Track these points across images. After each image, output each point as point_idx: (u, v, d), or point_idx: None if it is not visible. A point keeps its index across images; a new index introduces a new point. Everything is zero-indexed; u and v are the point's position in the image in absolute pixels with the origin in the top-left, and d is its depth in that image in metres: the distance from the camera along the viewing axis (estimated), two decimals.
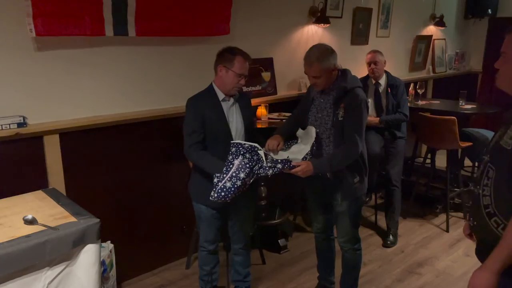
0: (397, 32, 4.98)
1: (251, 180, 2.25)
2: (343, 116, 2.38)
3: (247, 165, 2.19)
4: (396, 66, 4.95)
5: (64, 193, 2.62)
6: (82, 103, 2.68)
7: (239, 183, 2.16)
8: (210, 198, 2.19)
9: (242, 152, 2.22)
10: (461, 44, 6.18)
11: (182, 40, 3.04)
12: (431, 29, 5.51)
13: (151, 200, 3.10)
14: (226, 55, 2.36)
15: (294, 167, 2.28)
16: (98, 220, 1.80)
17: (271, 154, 2.36)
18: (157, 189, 3.11)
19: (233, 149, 2.24)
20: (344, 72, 2.48)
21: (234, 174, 2.17)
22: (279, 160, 2.30)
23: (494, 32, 6.04)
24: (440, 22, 5.41)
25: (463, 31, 6.16)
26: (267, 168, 2.25)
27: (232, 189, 2.17)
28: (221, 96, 2.41)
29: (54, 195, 2.08)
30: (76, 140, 2.66)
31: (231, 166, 2.20)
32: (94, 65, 2.69)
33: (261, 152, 2.26)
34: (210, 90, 2.43)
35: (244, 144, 2.24)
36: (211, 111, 2.38)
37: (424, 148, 5.74)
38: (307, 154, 2.35)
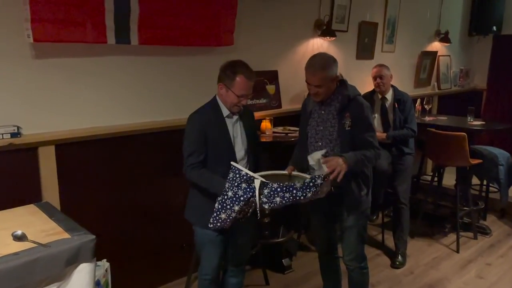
0: (402, 47, 4.92)
1: (251, 210, 2.09)
2: (351, 125, 2.30)
3: (241, 198, 2.00)
4: (401, 82, 4.86)
5: (59, 207, 2.48)
6: (80, 114, 2.56)
7: (233, 214, 2.03)
8: (209, 225, 2.08)
9: (237, 183, 2.01)
10: (466, 61, 6.13)
11: (185, 50, 2.94)
12: (436, 45, 5.45)
13: (150, 216, 2.95)
14: (228, 73, 2.19)
15: (323, 176, 2.04)
16: (93, 237, 1.66)
17: (275, 184, 2.03)
18: (156, 205, 2.97)
19: (231, 175, 2.04)
20: (343, 81, 2.41)
21: (228, 207, 2.02)
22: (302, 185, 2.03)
23: (499, 49, 5.99)
24: (445, 38, 5.36)
25: (467, 48, 6.11)
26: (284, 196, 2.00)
27: (228, 220, 2.04)
28: (225, 112, 2.27)
29: (47, 209, 1.94)
30: (72, 152, 2.54)
31: (225, 197, 2.03)
32: (94, 74, 2.58)
33: (257, 182, 2.00)
34: (214, 105, 2.28)
35: (241, 171, 2.02)
36: (215, 129, 2.23)
37: (429, 165, 5.67)
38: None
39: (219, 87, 2.24)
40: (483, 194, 4.50)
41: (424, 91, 5.38)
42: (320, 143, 2.39)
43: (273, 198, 2.00)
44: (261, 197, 2.01)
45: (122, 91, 2.71)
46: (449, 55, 5.74)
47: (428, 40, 5.35)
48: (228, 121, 2.27)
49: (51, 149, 2.45)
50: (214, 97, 2.30)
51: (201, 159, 2.20)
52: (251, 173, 2.01)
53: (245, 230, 2.41)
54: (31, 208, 1.98)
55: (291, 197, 2.00)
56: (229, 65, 2.21)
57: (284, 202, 2.01)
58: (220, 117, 2.25)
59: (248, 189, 2.00)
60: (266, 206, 2.03)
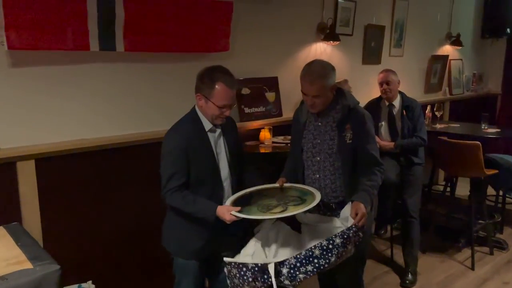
0: (411, 51, 4.69)
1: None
2: (352, 138, 2.12)
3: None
4: (410, 88, 4.63)
5: (39, 227, 2.32)
6: (62, 125, 2.39)
7: None
8: None
9: (251, 278, 1.76)
10: (478, 65, 5.87)
11: (176, 57, 2.76)
12: (447, 49, 5.22)
13: (138, 233, 2.76)
14: (206, 81, 1.96)
15: (341, 234, 1.84)
16: (58, 267, 1.48)
17: (292, 260, 1.79)
18: (145, 221, 2.78)
19: (234, 272, 1.81)
20: (340, 90, 2.21)
21: None
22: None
23: None
24: (456, 41, 5.13)
25: (480, 52, 5.86)
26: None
27: None
28: (207, 125, 2.04)
29: (15, 232, 1.77)
30: (54, 167, 2.36)
31: None
32: (77, 84, 2.41)
33: (271, 268, 1.74)
34: (194, 118, 2.05)
35: (247, 265, 1.77)
36: (197, 146, 1.99)
37: (441, 174, 5.41)
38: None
39: (197, 98, 2.02)
40: (499, 205, 4.24)
41: (435, 97, 5.15)
42: (318, 158, 2.20)
43: (296, 276, 1.76)
44: (282, 279, 1.77)
45: (107, 101, 2.54)
46: (461, 59, 5.49)
47: (438, 43, 5.11)
48: (210, 135, 2.05)
49: (31, 164, 2.28)
50: (193, 109, 2.09)
51: (182, 181, 1.97)
52: (258, 264, 1.76)
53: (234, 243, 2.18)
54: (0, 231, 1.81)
55: (314, 269, 1.76)
56: (206, 72, 1.98)
57: (309, 276, 1.77)
58: (201, 132, 2.04)
59: (265, 278, 1.76)
60: (291, 286, 1.81)
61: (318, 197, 1.98)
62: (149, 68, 2.67)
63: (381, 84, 3.46)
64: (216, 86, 1.94)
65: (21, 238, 1.71)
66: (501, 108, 5.94)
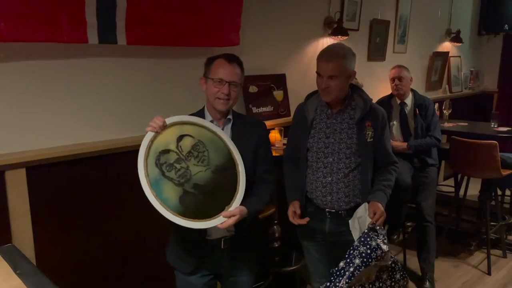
0: (414, 47, 4.54)
1: None
2: (373, 136, 2.00)
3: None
4: (413, 85, 4.48)
5: (32, 245, 2.04)
6: (57, 129, 2.11)
7: None
8: None
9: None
10: (475, 62, 5.78)
11: (183, 52, 2.50)
12: (446, 46, 5.10)
13: (141, 247, 2.50)
14: (208, 61, 1.85)
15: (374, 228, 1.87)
16: None
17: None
18: (148, 233, 2.51)
19: None
20: (356, 86, 2.08)
21: None
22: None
23: (510, 49, 5.66)
24: (456, 38, 5.01)
25: (477, 48, 5.78)
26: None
27: None
28: (208, 118, 1.85)
29: (11, 257, 1.49)
30: (48, 175, 2.08)
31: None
32: (73, 80, 2.13)
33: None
34: (198, 111, 1.91)
35: None
36: None
37: (442, 172, 5.29)
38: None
39: (201, 84, 1.86)
40: (508, 206, 4.13)
41: (435, 95, 5.01)
42: (330, 159, 2.01)
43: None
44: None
45: (108, 101, 2.26)
46: (459, 56, 5.39)
47: (439, 40, 4.99)
48: None
49: (22, 172, 1.99)
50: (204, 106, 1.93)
51: None
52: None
53: (243, 266, 1.94)
54: None
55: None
56: (211, 56, 1.86)
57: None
58: None
59: None
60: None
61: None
62: (153, 64, 2.41)
63: (392, 79, 3.30)
64: (215, 62, 1.81)
65: (18, 264, 1.43)
66: (497, 106, 5.86)
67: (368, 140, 2.00)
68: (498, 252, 3.69)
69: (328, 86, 1.92)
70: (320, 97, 2.03)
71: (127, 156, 2.31)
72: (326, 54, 1.94)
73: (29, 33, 1.89)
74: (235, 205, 1.69)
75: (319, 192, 2.04)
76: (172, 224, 1.62)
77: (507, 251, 3.69)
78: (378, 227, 1.87)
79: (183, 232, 1.71)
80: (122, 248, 2.41)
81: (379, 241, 1.81)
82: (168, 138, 1.69)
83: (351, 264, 1.80)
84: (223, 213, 1.66)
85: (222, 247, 1.83)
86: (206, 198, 1.67)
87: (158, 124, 1.69)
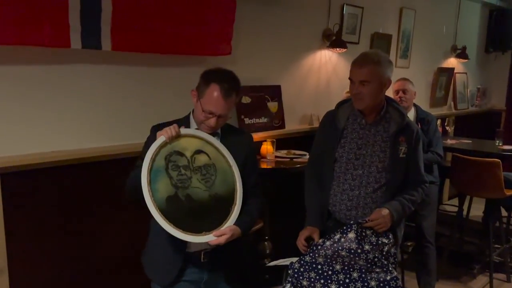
0: (417, 63, 4.46)
1: None
2: (406, 152, 1.93)
3: None
4: (416, 101, 4.38)
5: (5, 262, 1.95)
6: (35, 135, 2.04)
7: None
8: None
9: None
10: (482, 79, 5.67)
11: (171, 60, 2.44)
12: (452, 62, 5.00)
13: (124, 260, 2.40)
14: (204, 77, 1.75)
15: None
16: None
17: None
18: (132, 245, 2.41)
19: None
20: (391, 99, 2.00)
21: None
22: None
23: None
24: (462, 54, 4.91)
25: (484, 66, 5.67)
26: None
27: None
28: (193, 126, 1.79)
29: None
30: (24, 183, 2.01)
31: None
32: (54, 86, 2.07)
33: None
34: (184, 118, 1.85)
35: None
36: None
37: (446, 191, 5.14)
38: None
39: (192, 94, 1.78)
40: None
41: (440, 111, 4.90)
42: (360, 171, 1.92)
43: None
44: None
45: (90, 108, 2.20)
46: (465, 73, 5.28)
47: (444, 55, 4.90)
48: None
49: None
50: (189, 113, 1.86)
51: None
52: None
53: (224, 280, 1.85)
54: None
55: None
56: (210, 70, 1.76)
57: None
58: None
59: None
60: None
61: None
62: (139, 71, 2.35)
63: (397, 91, 3.23)
64: (209, 87, 1.69)
65: None
66: (505, 124, 5.72)
67: (401, 155, 1.92)
68: (502, 276, 3.52)
69: (360, 92, 1.86)
70: (353, 106, 1.96)
71: (108, 165, 2.25)
72: (359, 59, 1.90)
73: (8, 36, 1.84)
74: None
75: (344, 206, 1.94)
76: (153, 227, 1.62)
77: (511, 275, 3.52)
78: (370, 232, 1.79)
79: (161, 237, 1.70)
80: (102, 261, 2.31)
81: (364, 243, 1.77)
82: (188, 145, 1.69)
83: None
84: (215, 231, 1.65)
85: (202, 260, 1.77)
86: (190, 212, 1.65)
87: (170, 133, 1.65)
